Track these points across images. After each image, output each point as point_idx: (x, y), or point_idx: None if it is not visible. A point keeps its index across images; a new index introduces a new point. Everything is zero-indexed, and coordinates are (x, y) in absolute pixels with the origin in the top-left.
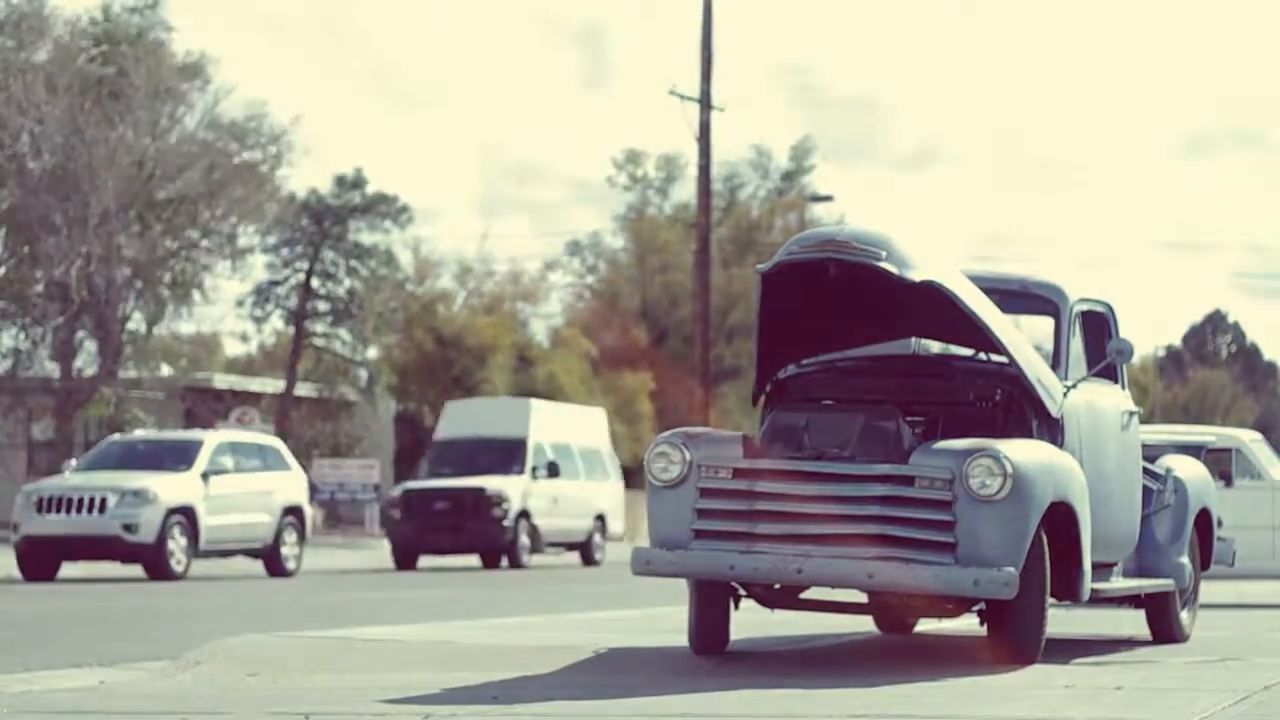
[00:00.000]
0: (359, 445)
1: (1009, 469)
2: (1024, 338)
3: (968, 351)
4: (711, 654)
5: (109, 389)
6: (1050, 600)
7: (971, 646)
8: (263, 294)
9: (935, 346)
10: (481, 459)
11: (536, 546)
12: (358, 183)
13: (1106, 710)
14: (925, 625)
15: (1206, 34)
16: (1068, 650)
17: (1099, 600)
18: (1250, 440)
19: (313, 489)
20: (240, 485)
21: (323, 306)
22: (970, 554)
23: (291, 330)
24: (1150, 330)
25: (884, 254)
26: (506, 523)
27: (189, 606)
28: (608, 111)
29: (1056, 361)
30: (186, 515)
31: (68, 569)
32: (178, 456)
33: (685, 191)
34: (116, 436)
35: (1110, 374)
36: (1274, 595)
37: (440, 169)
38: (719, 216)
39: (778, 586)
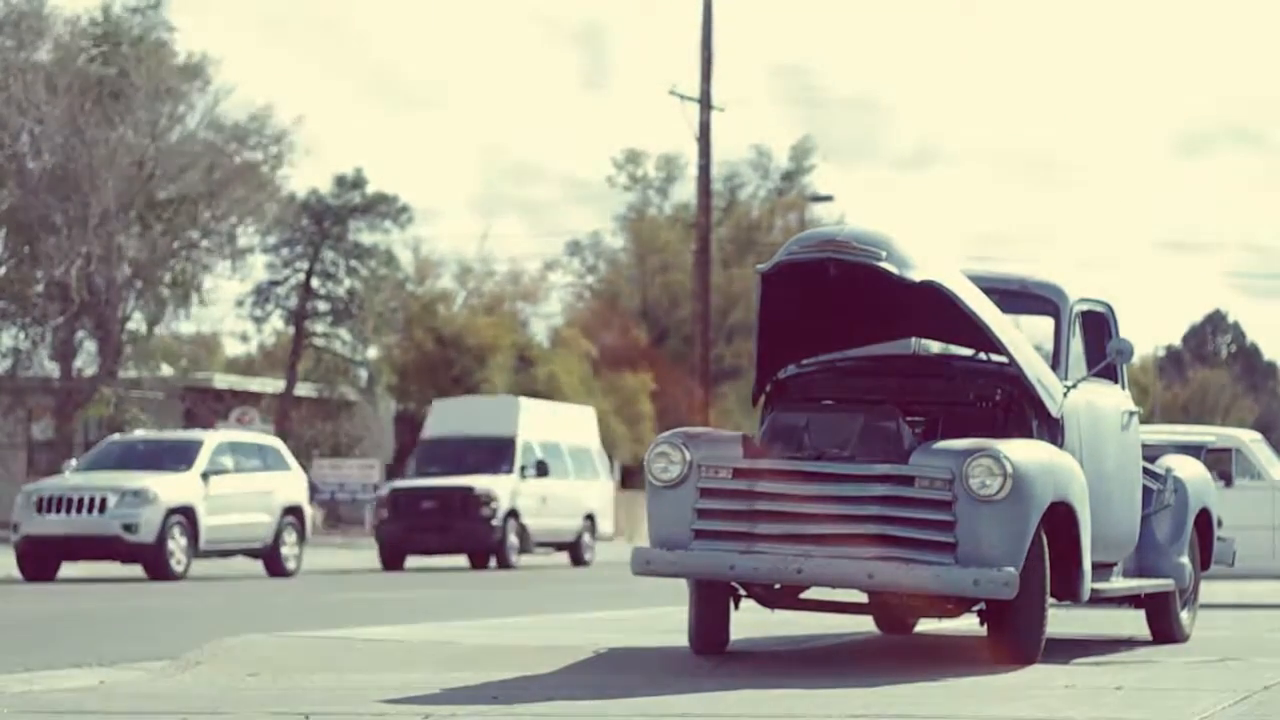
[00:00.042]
0: (359, 445)
1: (1009, 469)
2: (1024, 338)
3: (968, 351)
4: (711, 654)
5: (109, 389)
6: (1050, 600)
7: (971, 646)
8: (263, 294)
9: (935, 346)
10: (470, 458)
11: (525, 546)
12: (358, 183)
13: (1106, 710)
14: (925, 625)
15: (1205, 33)
16: (1068, 650)
17: (1099, 600)
18: (1250, 440)
19: (313, 489)
20: (240, 485)
21: (323, 306)
22: (970, 554)
23: (291, 330)
24: (1150, 330)
25: (884, 254)
26: (495, 522)
27: (189, 606)
28: (608, 111)
29: (1056, 361)
30: (186, 515)
31: (68, 569)
32: (178, 456)
33: (685, 191)
34: (116, 436)
35: (1110, 374)
36: (1274, 595)
37: (440, 169)
38: (719, 216)
39: (778, 586)
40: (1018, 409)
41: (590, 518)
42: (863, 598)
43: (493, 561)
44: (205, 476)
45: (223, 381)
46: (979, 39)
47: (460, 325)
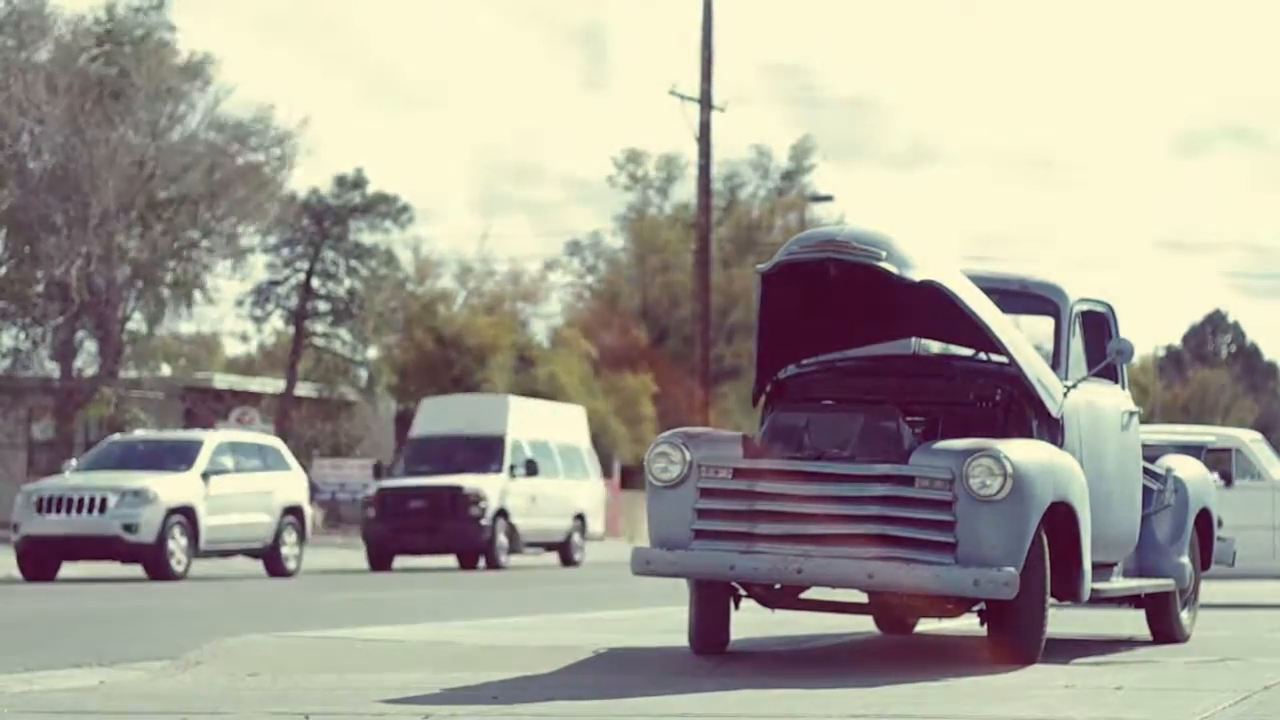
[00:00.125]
0: (359, 445)
1: (1009, 469)
2: (1024, 338)
3: (968, 351)
4: (711, 654)
5: (109, 389)
6: (1050, 600)
7: (971, 646)
8: (263, 294)
9: (935, 346)
10: (458, 457)
11: (515, 547)
12: (358, 183)
13: (1106, 710)
14: (925, 625)
15: (1205, 33)
16: (1068, 650)
17: (1099, 600)
18: (1250, 440)
19: (313, 489)
20: (240, 485)
21: (323, 306)
22: (970, 554)
23: (291, 330)
24: (1150, 330)
25: (884, 254)
26: (484, 522)
27: (189, 606)
28: (608, 111)
29: (1056, 361)
30: (187, 515)
31: (68, 569)
32: (178, 456)
33: (685, 191)
34: (116, 436)
35: (1110, 374)
36: (1274, 595)
37: (440, 169)
38: (719, 216)
39: (778, 586)
40: (1018, 409)
41: (580, 518)
42: (863, 598)
43: (481, 562)
44: (205, 476)
45: (223, 381)
46: (979, 38)
47: (460, 325)
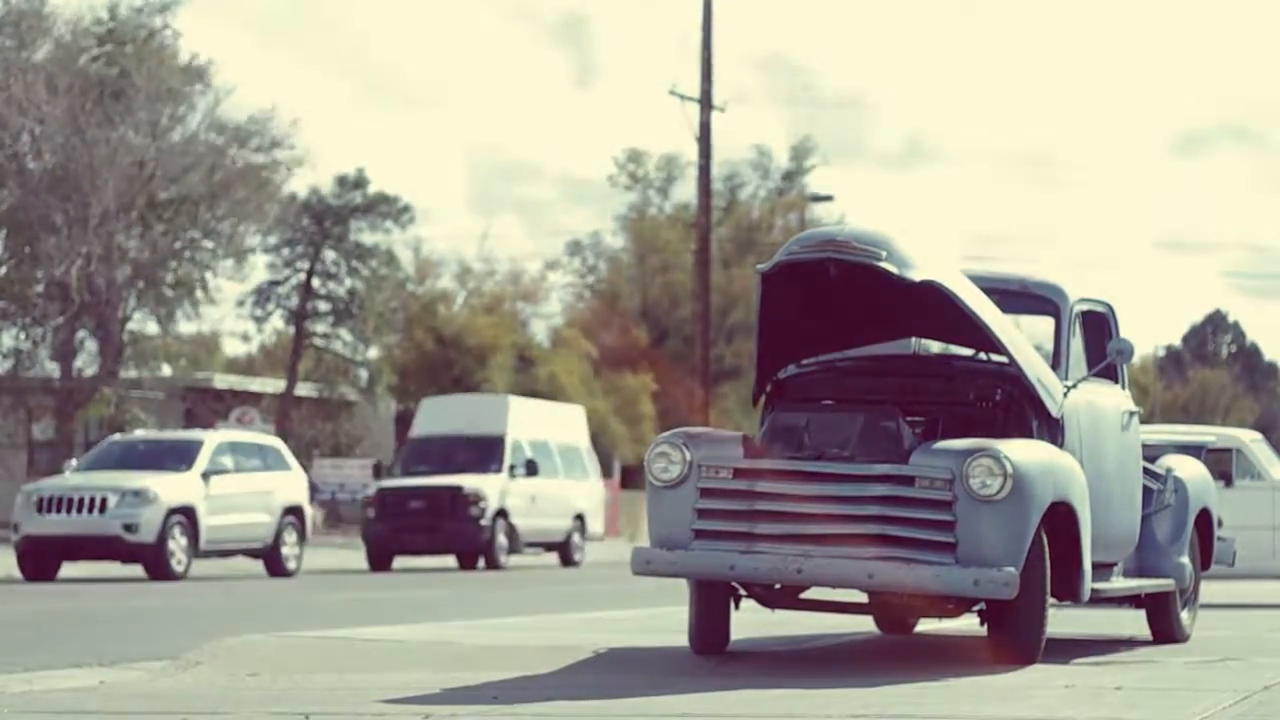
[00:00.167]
0: (359, 445)
1: (1009, 469)
2: (1024, 338)
3: (968, 351)
4: (711, 654)
5: (109, 389)
6: (1050, 600)
7: (971, 646)
8: (263, 294)
9: (935, 346)
10: (458, 457)
11: (514, 547)
12: (359, 183)
13: (1106, 710)
14: (925, 625)
15: (1205, 33)
16: (1068, 650)
17: (1099, 600)
18: (1250, 440)
19: (313, 489)
20: (240, 485)
21: (323, 306)
22: (970, 554)
23: (292, 330)
24: (1150, 330)
25: (884, 254)
26: (484, 522)
27: (189, 606)
28: (607, 111)
29: (1056, 361)
30: (187, 515)
31: (68, 569)
32: (178, 456)
33: (685, 191)
34: (117, 436)
35: (1110, 374)
36: (1274, 595)
37: (440, 169)
38: (719, 216)
39: (778, 586)
40: (1018, 409)
41: (580, 518)
42: (863, 598)
43: (481, 562)
44: (206, 476)
45: (223, 381)
46: (978, 38)
47: (460, 325)
